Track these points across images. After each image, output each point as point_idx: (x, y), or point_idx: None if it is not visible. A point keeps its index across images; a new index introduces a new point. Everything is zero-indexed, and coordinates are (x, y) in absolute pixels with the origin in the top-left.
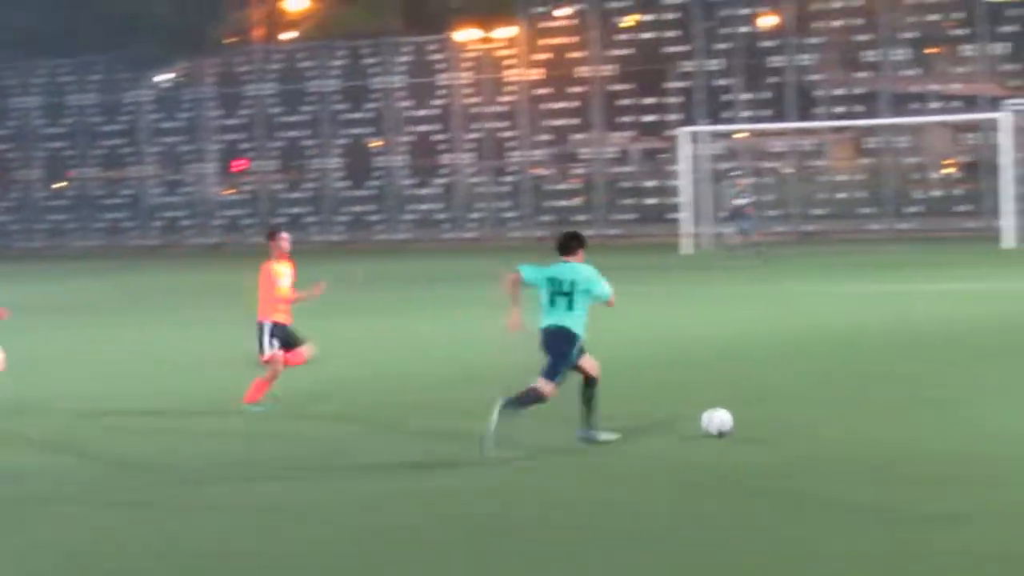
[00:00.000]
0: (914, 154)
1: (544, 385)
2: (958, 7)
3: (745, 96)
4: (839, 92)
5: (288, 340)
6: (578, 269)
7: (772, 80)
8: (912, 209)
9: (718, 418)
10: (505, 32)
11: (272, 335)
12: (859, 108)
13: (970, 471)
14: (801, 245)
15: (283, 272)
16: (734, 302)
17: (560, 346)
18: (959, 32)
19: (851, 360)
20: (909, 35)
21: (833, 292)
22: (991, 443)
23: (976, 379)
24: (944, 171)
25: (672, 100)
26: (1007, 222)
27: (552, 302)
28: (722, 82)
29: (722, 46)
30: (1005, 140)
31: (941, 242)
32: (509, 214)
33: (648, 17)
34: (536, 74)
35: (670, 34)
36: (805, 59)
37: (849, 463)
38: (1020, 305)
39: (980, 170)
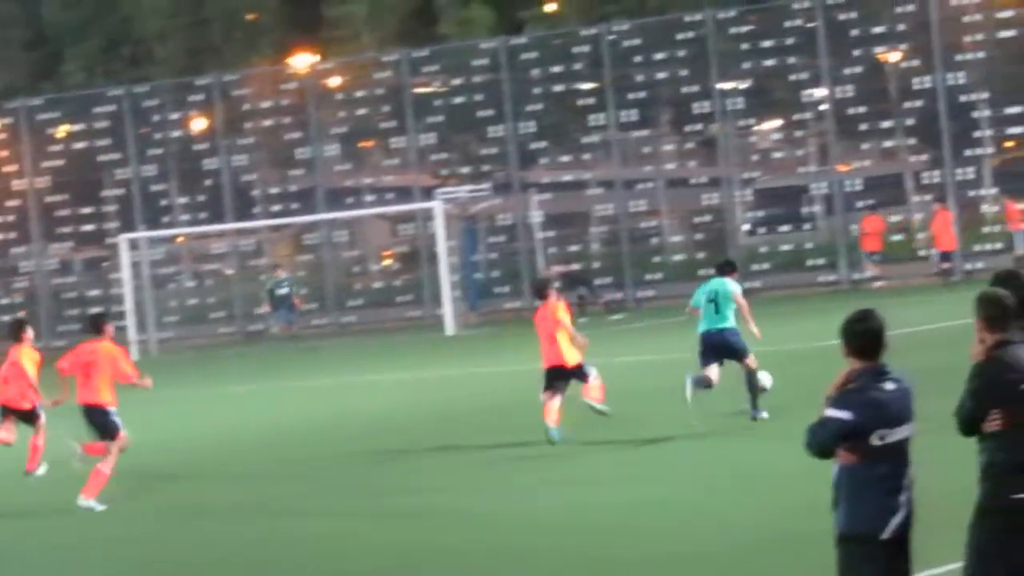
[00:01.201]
0: (353, 247)
1: (751, 362)
2: (385, 100)
3: (182, 200)
4: (275, 190)
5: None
6: (723, 283)
7: (208, 183)
8: (354, 302)
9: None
10: None
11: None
12: (296, 205)
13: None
14: (247, 345)
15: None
16: (178, 406)
17: (727, 340)
18: (388, 125)
19: (288, 455)
20: (340, 130)
21: (279, 388)
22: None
23: (413, 467)
24: (384, 263)
25: (110, 208)
26: (447, 309)
27: (707, 310)
28: (159, 187)
29: (156, 151)
30: (440, 229)
31: (386, 333)
32: None
33: (79, 126)
34: None
35: (103, 142)
36: (239, 160)
37: None
38: (464, 389)
39: (418, 260)
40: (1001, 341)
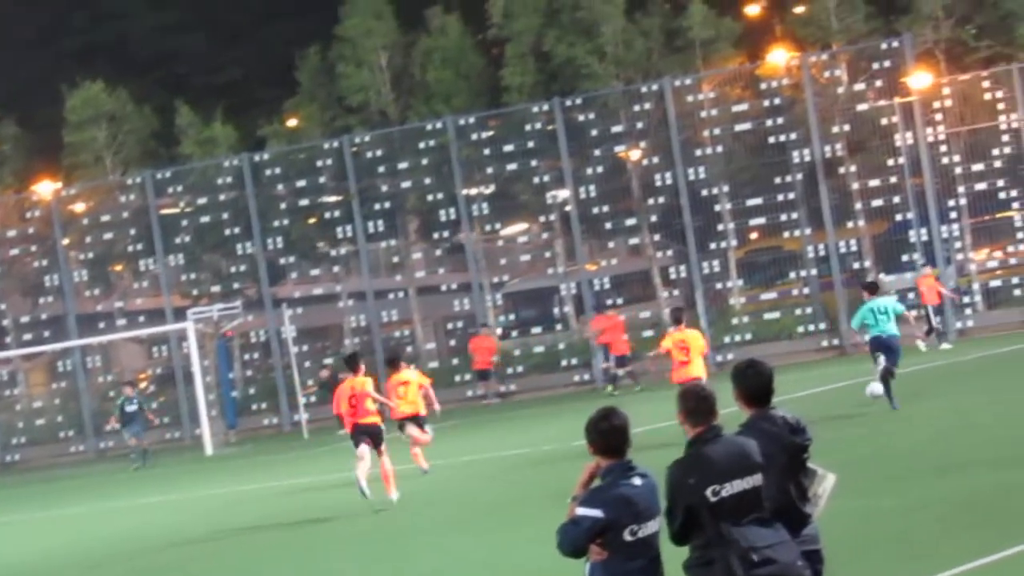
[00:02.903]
0: (108, 372)
1: (892, 366)
2: (132, 223)
3: None
4: (26, 319)
5: None
6: (889, 299)
7: None
8: (112, 427)
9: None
10: None
11: None
12: (48, 333)
13: None
14: (3, 476)
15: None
16: None
17: (893, 345)
18: (136, 247)
19: None
20: (88, 255)
21: (43, 518)
22: None
23: None
24: (140, 385)
25: None
26: (205, 429)
27: (877, 321)
28: None
29: None
30: (193, 349)
31: (152, 455)
32: None
33: None
34: None
35: None
36: None
37: None
38: (223, 505)
39: (174, 381)
40: (696, 437)
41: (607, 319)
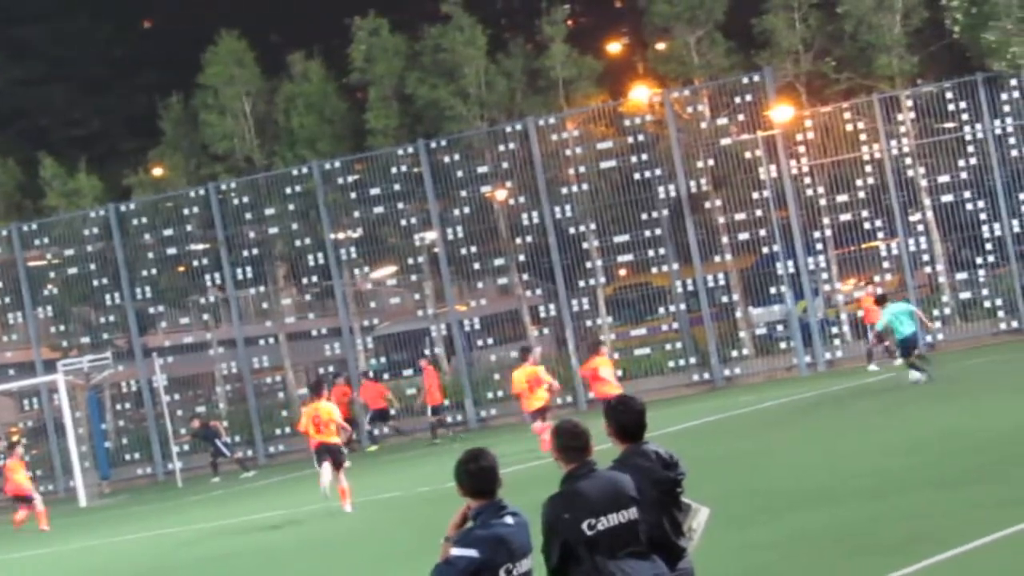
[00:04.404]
0: None
1: (918, 351)
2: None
3: None
4: None
5: None
6: (902, 305)
7: None
8: None
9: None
10: None
11: None
12: None
13: None
14: None
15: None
16: None
17: (915, 339)
18: (4, 300)
19: None
20: None
21: None
22: None
23: None
24: (12, 439)
25: None
26: (79, 481)
27: (902, 322)
28: None
29: None
30: (64, 401)
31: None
32: None
33: None
34: None
35: None
36: None
37: None
38: (98, 557)
39: (47, 433)
40: (570, 473)
41: (372, 386)
